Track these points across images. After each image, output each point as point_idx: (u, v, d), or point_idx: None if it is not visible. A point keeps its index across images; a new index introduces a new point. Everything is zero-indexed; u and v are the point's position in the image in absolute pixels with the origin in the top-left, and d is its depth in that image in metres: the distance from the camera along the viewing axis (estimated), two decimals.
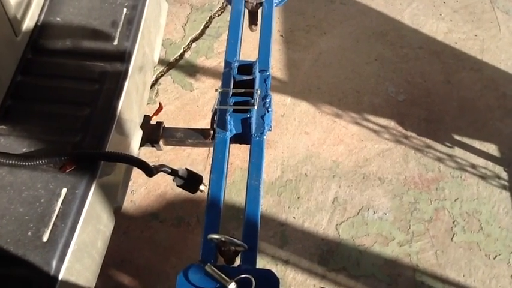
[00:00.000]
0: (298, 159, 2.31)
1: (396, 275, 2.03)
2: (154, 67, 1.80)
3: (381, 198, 2.21)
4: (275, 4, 1.63)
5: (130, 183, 2.20)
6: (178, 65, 2.62)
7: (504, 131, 2.42)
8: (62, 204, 1.13)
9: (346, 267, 2.04)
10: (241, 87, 1.32)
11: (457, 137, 2.39)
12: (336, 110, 2.47)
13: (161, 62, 2.60)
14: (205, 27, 2.77)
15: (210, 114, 1.45)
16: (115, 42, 1.40)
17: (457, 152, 2.35)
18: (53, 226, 1.10)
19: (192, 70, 2.60)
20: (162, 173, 1.34)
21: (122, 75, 1.36)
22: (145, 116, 1.66)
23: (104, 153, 1.24)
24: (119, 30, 1.42)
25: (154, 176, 1.33)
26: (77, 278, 1.14)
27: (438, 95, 2.52)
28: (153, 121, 1.69)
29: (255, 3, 1.59)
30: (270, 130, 1.36)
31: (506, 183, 2.26)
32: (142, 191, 2.21)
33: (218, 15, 2.82)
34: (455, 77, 2.59)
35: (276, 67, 2.60)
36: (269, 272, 1.06)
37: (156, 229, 2.11)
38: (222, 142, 1.33)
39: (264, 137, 1.33)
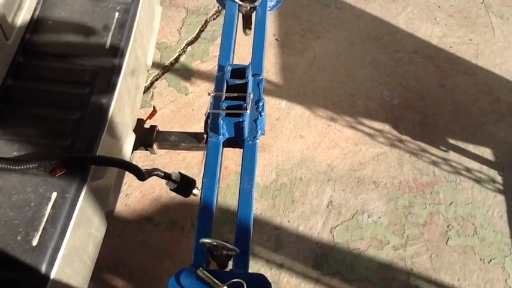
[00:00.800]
0: (293, 162, 2.31)
1: (390, 279, 2.03)
2: (148, 70, 1.80)
3: (376, 202, 2.21)
4: (269, 8, 1.63)
5: (124, 187, 2.20)
6: (173, 69, 2.62)
7: (498, 135, 2.42)
8: (52, 208, 1.13)
9: (340, 271, 2.04)
10: (234, 91, 1.32)
11: (451, 141, 2.39)
12: (331, 114, 2.47)
13: (156, 65, 2.60)
14: (201, 30, 2.77)
15: (204, 118, 1.44)
16: (107, 46, 1.40)
17: (452, 155, 2.35)
18: (42, 230, 1.10)
19: (187, 74, 2.59)
20: (156, 176, 1.33)
21: (114, 79, 1.36)
22: (139, 119, 1.65)
23: (94, 157, 1.23)
24: (110, 34, 1.42)
25: (149, 180, 1.32)
26: (67, 282, 1.13)
27: (432, 99, 2.52)
28: (147, 125, 1.69)
29: (248, 7, 1.59)
30: (263, 134, 1.35)
31: (501, 187, 2.26)
32: (136, 195, 2.20)
33: (213, 19, 2.82)
34: (449, 81, 2.59)
35: (271, 71, 2.60)
36: (261, 276, 1.06)
37: (150, 232, 2.11)
38: (215, 146, 1.32)
39: (257, 141, 1.33)
